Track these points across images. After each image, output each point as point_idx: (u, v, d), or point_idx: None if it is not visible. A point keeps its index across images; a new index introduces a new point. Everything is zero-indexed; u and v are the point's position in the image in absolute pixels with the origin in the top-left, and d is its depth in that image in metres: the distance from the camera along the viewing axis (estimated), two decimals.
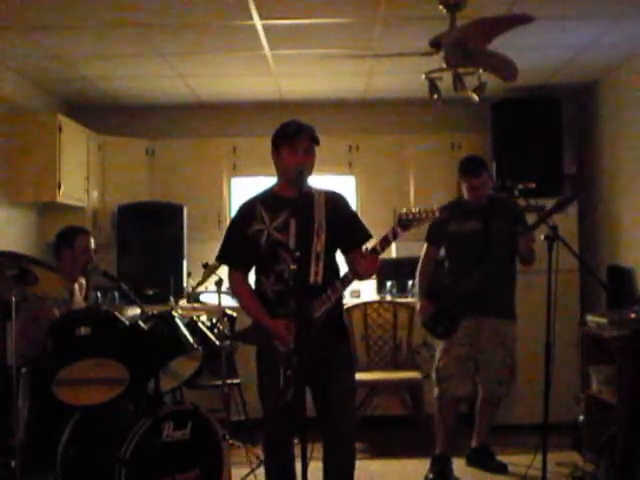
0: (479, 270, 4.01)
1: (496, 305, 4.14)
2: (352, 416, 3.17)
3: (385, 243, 2.85)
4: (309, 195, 3.04)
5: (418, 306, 4.33)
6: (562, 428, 4.44)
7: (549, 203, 3.90)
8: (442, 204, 2.89)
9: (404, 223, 2.80)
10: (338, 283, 2.94)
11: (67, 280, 3.81)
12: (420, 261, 4.36)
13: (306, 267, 2.89)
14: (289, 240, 2.91)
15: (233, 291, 3.21)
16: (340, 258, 3.15)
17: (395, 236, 2.83)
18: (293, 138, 2.98)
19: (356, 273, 2.88)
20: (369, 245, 2.95)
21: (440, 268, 4.34)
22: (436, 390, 4.23)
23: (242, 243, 3.07)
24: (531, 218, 3.95)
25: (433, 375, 4.27)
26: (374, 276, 5.73)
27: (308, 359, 2.73)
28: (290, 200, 2.95)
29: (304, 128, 3.02)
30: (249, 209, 3.10)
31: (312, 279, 2.92)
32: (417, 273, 4.37)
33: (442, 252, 4.36)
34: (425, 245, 4.36)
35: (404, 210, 2.83)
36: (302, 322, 2.80)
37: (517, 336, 4.26)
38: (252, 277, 3.20)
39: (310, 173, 3.04)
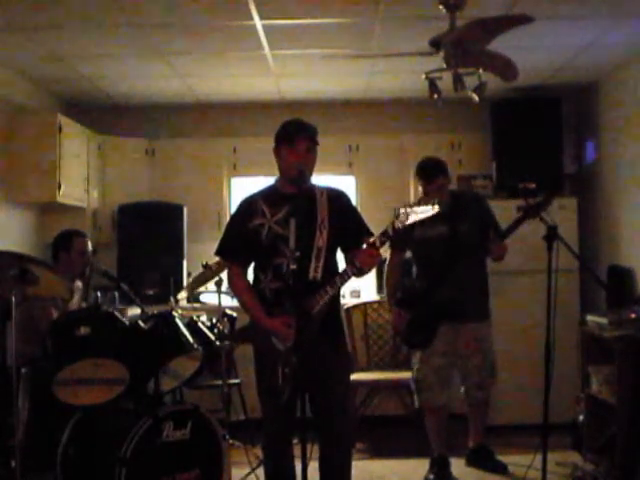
0: (452, 275, 3.92)
1: (472, 309, 4.08)
2: (349, 415, 3.17)
3: (384, 237, 2.85)
4: (311, 192, 3.06)
5: (392, 316, 4.25)
6: (562, 428, 4.44)
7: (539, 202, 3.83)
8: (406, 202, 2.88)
9: (402, 217, 2.81)
10: (337, 279, 2.94)
11: (67, 281, 3.81)
12: (386, 267, 4.27)
13: (306, 263, 2.91)
14: (289, 237, 2.91)
15: (231, 287, 3.22)
16: (340, 257, 3.15)
17: (394, 230, 2.83)
18: (293, 137, 3.00)
19: (355, 267, 2.88)
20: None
21: (408, 270, 4.26)
22: (417, 400, 4.19)
23: (242, 238, 3.08)
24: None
25: (412, 386, 4.21)
26: (374, 273, 5.72)
27: (306, 358, 2.73)
28: (291, 196, 2.96)
29: (304, 127, 3.03)
30: (250, 204, 3.12)
31: (311, 275, 2.93)
32: (385, 279, 4.30)
33: (408, 254, 4.27)
34: (389, 251, 4.25)
35: (402, 204, 2.84)
36: (302, 320, 2.81)
37: (493, 335, 4.20)
38: (251, 276, 3.21)
39: (311, 172, 3.05)
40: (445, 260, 3.98)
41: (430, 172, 4.05)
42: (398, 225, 2.81)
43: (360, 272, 2.91)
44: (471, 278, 4.03)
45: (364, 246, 2.90)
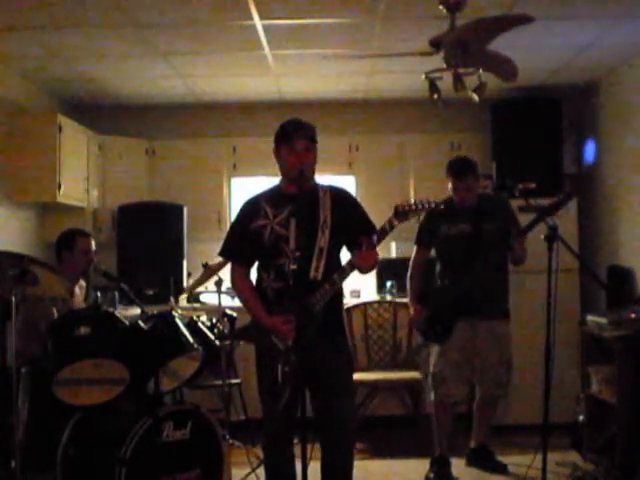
0: (472, 273, 3.96)
1: (491, 306, 4.11)
2: (351, 416, 3.17)
3: (381, 235, 2.88)
4: (313, 192, 3.06)
5: (411, 311, 4.30)
6: (562, 428, 4.44)
7: (547, 202, 3.87)
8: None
9: (400, 214, 2.84)
10: (336, 276, 2.95)
11: (67, 281, 3.81)
12: (410, 264, 4.32)
13: (307, 262, 2.92)
14: (290, 237, 2.91)
15: (234, 286, 3.22)
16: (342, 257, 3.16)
17: (392, 227, 2.87)
18: (291, 137, 3.01)
19: (353, 265, 2.90)
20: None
21: (432, 269, 4.29)
22: (432, 394, 4.21)
23: (245, 238, 3.10)
24: (528, 218, 3.91)
25: (429, 380, 4.24)
26: (374, 272, 5.71)
27: (307, 357, 2.74)
28: (294, 196, 2.97)
29: (302, 127, 3.04)
30: (253, 206, 3.13)
31: (312, 274, 2.94)
32: (408, 276, 4.34)
33: (433, 252, 4.31)
34: (415, 247, 4.33)
35: (400, 202, 2.86)
36: (302, 320, 2.82)
37: (512, 335, 4.23)
38: (253, 275, 3.22)
39: (313, 170, 3.06)
40: (467, 258, 4.01)
41: (461, 170, 4.12)
42: (394, 221, 2.84)
43: (360, 269, 2.94)
44: (491, 277, 4.05)
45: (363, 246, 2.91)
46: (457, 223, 4.13)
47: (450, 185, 4.17)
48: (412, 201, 2.87)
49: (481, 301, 4.03)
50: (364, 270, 2.96)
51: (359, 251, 2.88)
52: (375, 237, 2.88)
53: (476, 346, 4.12)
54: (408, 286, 4.35)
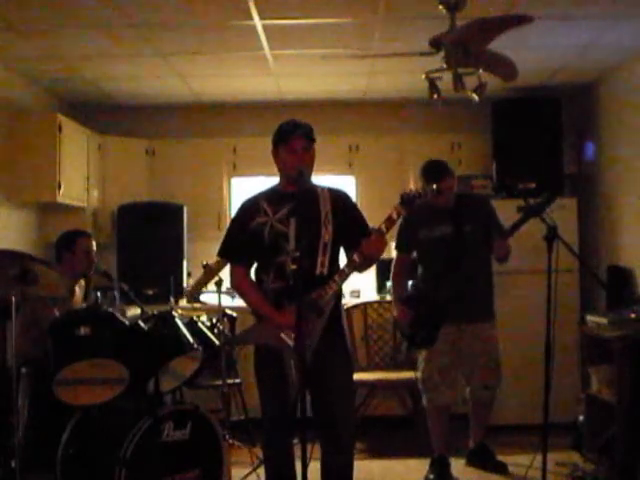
0: (455, 275, 3.93)
1: (476, 309, 4.09)
2: (351, 416, 3.17)
3: (389, 223, 2.88)
4: (312, 190, 3.08)
5: (395, 313, 4.27)
6: (562, 428, 4.43)
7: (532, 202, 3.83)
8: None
9: (406, 201, 2.86)
10: (345, 268, 2.94)
11: (68, 280, 3.81)
12: (392, 269, 4.30)
13: (313, 258, 2.93)
14: (290, 235, 2.91)
15: (235, 286, 3.20)
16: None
17: (399, 215, 2.88)
18: (288, 137, 3.02)
19: (361, 254, 2.88)
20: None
21: (414, 272, 4.26)
22: (424, 400, 4.20)
23: (244, 238, 3.09)
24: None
25: (419, 385, 4.22)
26: (374, 273, 5.70)
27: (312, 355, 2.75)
28: (293, 195, 2.97)
29: (299, 126, 3.05)
30: (252, 204, 3.13)
31: (318, 270, 2.95)
32: (391, 279, 4.32)
33: (414, 255, 4.27)
34: (395, 253, 4.30)
35: (405, 189, 2.89)
36: (301, 320, 2.81)
37: (498, 336, 4.20)
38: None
39: (311, 170, 3.06)
40: (449, 260, 3.99)
41: (439, 173, 4.06)
42: (401, 209, 2.86)
43: (366, 261, 2.92)
44: (475, 278, 4.03)
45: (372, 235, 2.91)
46: (437, 225, 4.08)
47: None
48: (416, 188, 2.93)
49: (465, 304, 3.98)
50: (374, 257, 2.94)
51: (366, 244, 2.88)
52: (384, 226, 2.87)
53: (462, 349, 4.10)
54: (392, 290, 4.34)
